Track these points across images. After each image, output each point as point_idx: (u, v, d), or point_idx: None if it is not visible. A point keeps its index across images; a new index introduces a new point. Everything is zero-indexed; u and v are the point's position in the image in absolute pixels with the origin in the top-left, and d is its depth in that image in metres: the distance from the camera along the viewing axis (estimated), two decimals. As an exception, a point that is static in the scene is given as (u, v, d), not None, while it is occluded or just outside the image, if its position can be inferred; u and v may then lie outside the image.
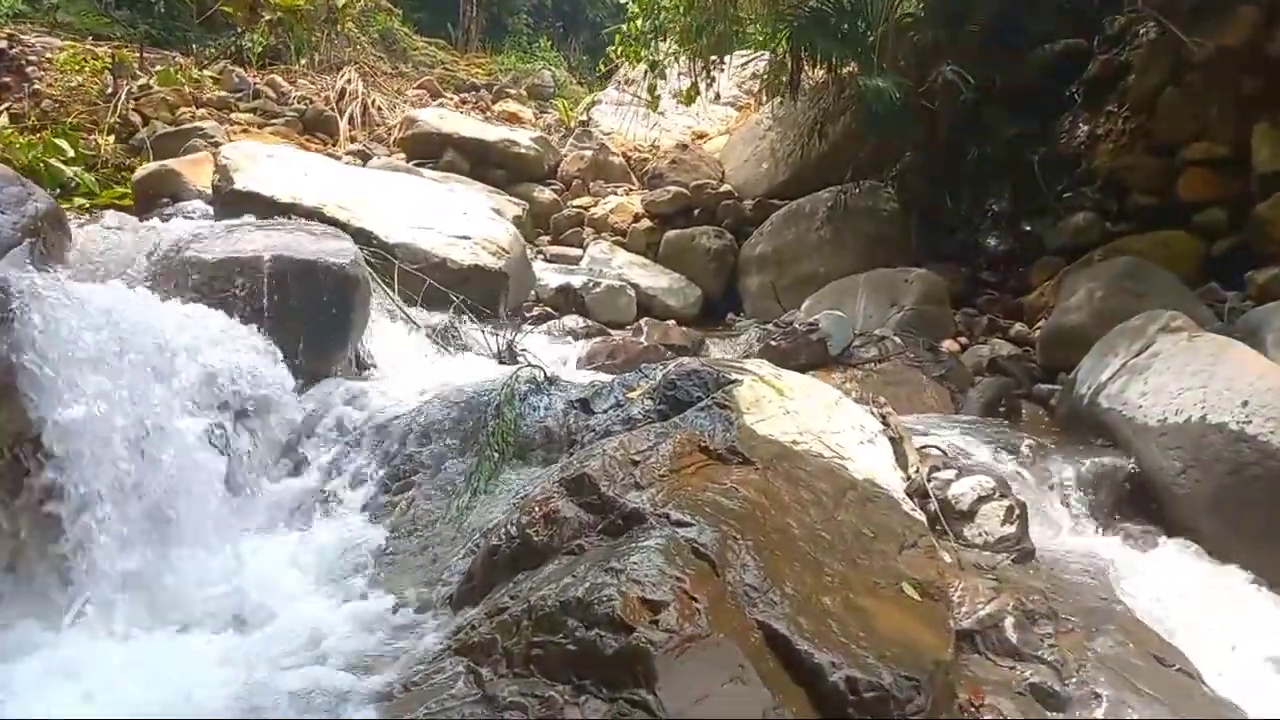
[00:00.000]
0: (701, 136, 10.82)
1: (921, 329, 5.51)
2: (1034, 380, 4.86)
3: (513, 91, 14.73)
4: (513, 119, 11.96)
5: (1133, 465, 3.63)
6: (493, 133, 8.78)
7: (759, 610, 1.94)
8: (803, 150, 8.03)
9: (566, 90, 15.91)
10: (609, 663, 1.72)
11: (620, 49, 7.94)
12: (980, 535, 2.94)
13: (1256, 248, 5.03)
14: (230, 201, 4.90)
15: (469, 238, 5.01)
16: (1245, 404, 3.26)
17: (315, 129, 10.27)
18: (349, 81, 10.83)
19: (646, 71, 7.82)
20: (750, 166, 8.51)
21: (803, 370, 4.89)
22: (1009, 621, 2.23)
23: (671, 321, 7.23)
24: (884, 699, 1.78)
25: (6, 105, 8.63)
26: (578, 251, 7.99)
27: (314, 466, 2.91)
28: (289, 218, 4.61)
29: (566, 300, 6.65)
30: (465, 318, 4.54)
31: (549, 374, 3.31)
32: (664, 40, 7.55)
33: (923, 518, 2.70)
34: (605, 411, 3.03)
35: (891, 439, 3.35)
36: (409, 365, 3.78)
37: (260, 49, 11.86)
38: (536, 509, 2.23)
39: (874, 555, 2.30)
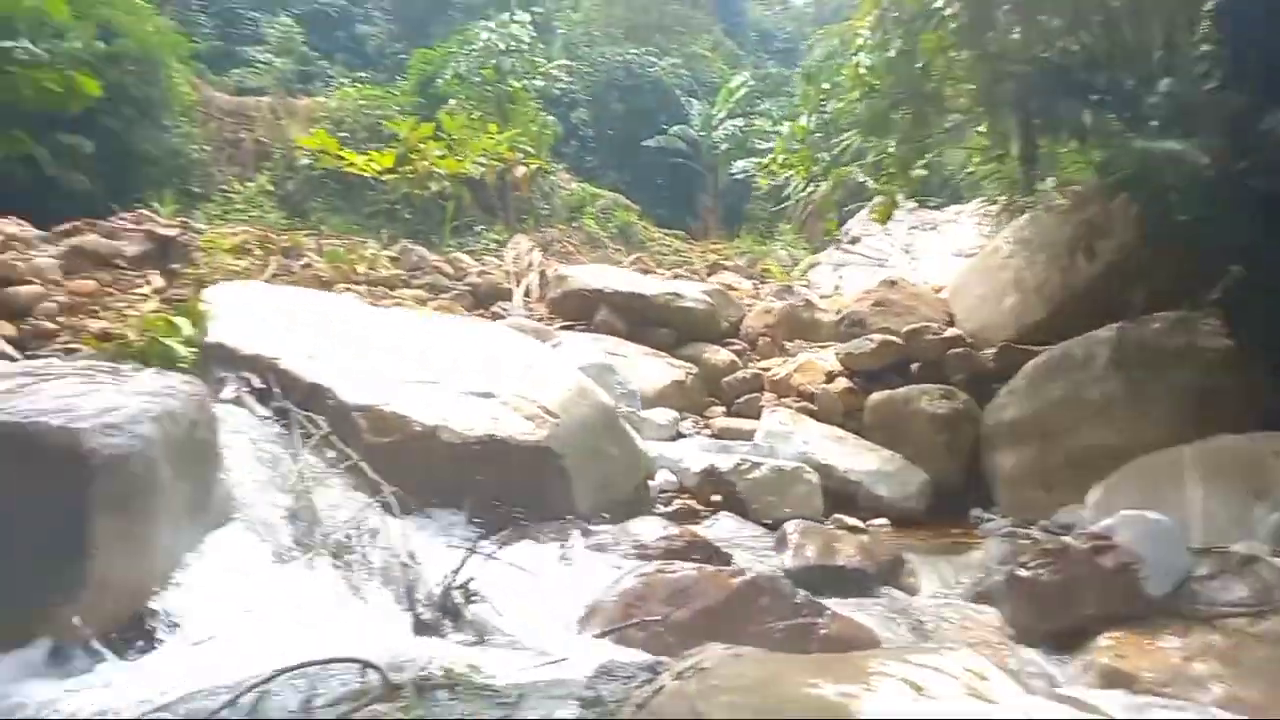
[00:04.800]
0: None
1: (1325, 541, 2.94)
2: None
3: (730, 264, 13.60)
4: (727, 289, 10.65)
5: None
6: (652, 286, 7.24)
7: None
8: (1063, 275, 5.72)
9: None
10: None
11: (781, 160, 6.14)
12: None
13: None
14: (211, 358, 3.55)
15: (492, 395, 3.25)
16: None
17: (490, 301, 9.38)
18: (518, 255, 10.01)
19: (814, 186, 5.96)
20: (988, 304, 6.26)
21: (1090, 630, 2.52)
22: None
23: (883, 521, 5.07)
24: None
25: (172, 289, 8.39)
26: (755, 424, 6.02)
27: None
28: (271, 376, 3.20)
29: (712, 489, 4.67)
30: (468, 523, 2.70)
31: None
32: (839, 139, 5.66)
33: None
34: None
35: None
36: (242, 632, 1.99)
37: (452, 224, 11.73)
38: None
39: None
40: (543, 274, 10.17)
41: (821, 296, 9.53)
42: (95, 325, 7.39)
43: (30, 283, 7.51)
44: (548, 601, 2.31)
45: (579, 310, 7.28)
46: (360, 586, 2.26)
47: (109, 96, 8.26)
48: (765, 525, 4.43)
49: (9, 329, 6.87)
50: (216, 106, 15.68)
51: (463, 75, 14.33)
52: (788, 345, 7.65)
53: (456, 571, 2.10)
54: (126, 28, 11.40)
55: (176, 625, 2.00)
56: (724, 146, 17.53)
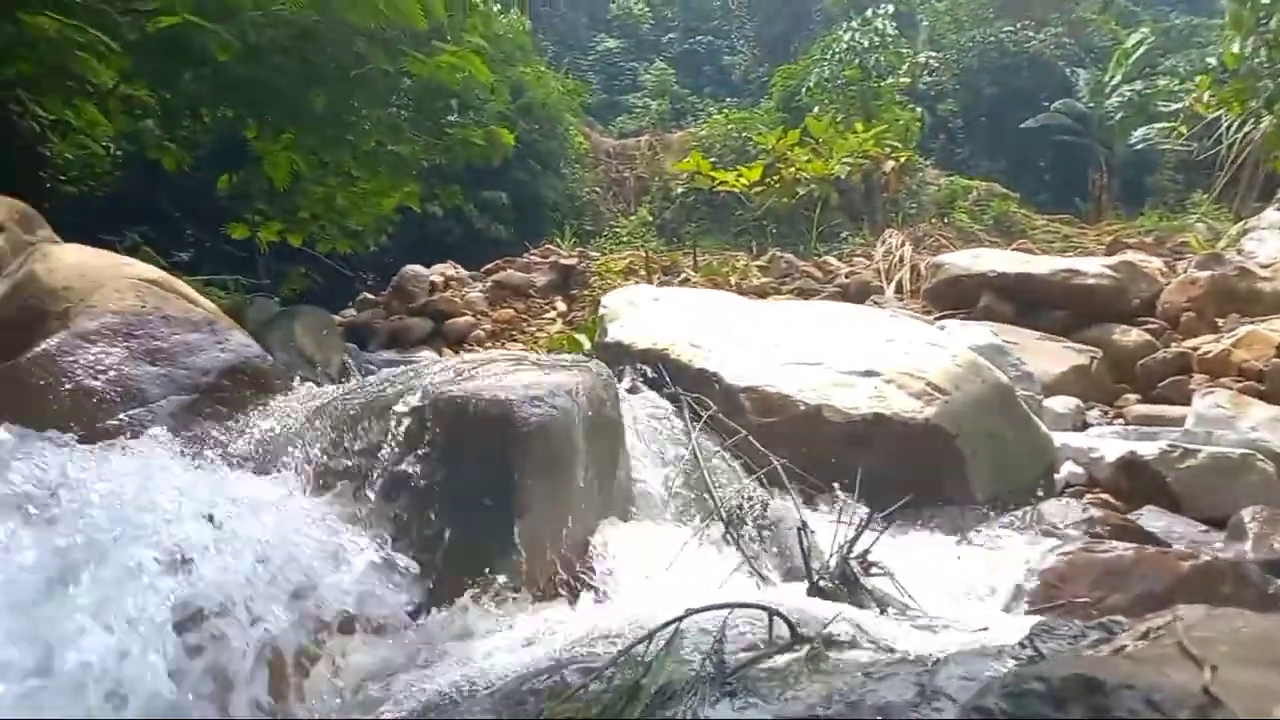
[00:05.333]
0: None
1: None
2: None
3: (1133, 240, 12.06)
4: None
5: None
6: (1042, 264, 6.58)
7: None
8: None
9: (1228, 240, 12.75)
10: None
11: (1207, 94, 5.18)
12: None
13: None
14: (607, 356, 3.87)
15: (876, 374, 3.11)
16: None
17: (860, 299, 9.26)
18: (889, 250, 9.70)
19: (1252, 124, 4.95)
20: None
21: None
22: None
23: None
24: None
25: (573, 312, 9.39)
26: (1180, 411, 5.20)
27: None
28: (660, 367, 3.47)
29: (1132, 481, 4.09)
30: (851, 502, 2.64)
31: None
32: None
33: None
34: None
35: None
36: (647, 590, 2.09)
37: (818, 230, 11.75)
38: None
39: None
40: (914, 269, 9.76)
41: (1261, 266, 8.04)
42: (514, 347, 8.52)
43: (464, 314, 8.92)
44: (951, 579, 2.16)
45: (958, 298, 6.85)
46: (753, 555, 2.30)
47: (518, 152, 9.52)
48: (1205, 521, 3.79)
49: (450, 354, 8.17)
50: (603, 151, 17.34)
51: (826, 80, 14.34)
52: (1219, 321, 6.54)
53: (852, 542, 2.04)
54: (531, 85, 13.06)
55: (590, 583, 2.17)
56: (1119, 115, 15.55)
